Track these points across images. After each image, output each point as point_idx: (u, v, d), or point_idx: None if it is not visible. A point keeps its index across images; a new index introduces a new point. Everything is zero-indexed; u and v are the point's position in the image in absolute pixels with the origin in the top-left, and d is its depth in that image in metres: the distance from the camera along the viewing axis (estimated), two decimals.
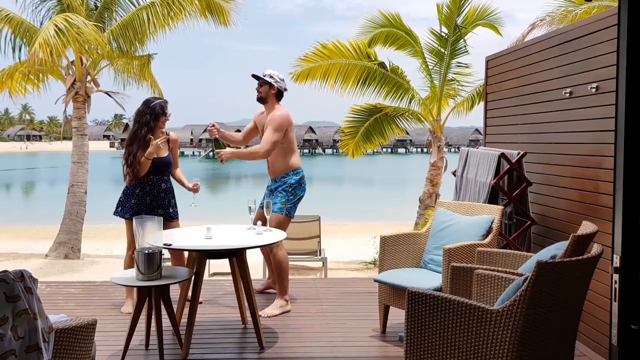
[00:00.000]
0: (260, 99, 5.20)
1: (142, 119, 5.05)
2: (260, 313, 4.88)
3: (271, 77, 5.17)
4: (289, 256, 5.32)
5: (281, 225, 5.02)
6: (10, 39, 11.64)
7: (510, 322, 2.59)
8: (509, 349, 2.60)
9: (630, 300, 3.51)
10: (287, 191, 5.12)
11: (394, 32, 11.57)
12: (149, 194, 5.04)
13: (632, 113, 3.51)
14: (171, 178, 5.24)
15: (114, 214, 5.12)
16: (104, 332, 4.44)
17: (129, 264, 4.98)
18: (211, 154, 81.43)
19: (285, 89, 5.24)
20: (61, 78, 12.33)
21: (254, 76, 5.22)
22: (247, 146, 5.69)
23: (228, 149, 5.06)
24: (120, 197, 5.09)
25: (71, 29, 10.55)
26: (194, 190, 5.13)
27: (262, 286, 5.68)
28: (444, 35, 11.42)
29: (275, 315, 4.96)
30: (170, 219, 5.09)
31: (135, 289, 4.34)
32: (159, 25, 11.62)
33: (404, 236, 4.66)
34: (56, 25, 10.54)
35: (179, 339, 4.13)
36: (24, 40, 11.72)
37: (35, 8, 12.07)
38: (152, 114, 5.06)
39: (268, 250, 5.22)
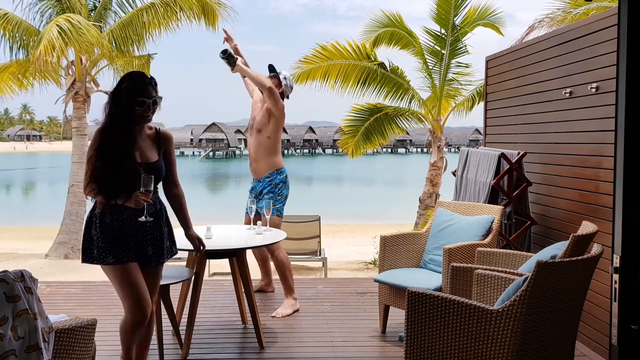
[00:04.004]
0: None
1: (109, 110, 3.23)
2: (273, 314, 4.94)
3: (285, 78, 5.33)
4: (289, 256, 5.33)
5: (276, 226, 5.06)
6: (9, 39, 11.65)
7: (510, 322, 2.59)
8: (509, 349, 2.60)
9: (630, 300, 3.51)
10: (274, 192, 5.17)
11: (397, 32, 11.60)
12: (127, 222, 3.23)
13: (632, 113, 3.51)
14: (162, 195, 3.48)
15: (85, 261, 3.26)
16: (104, 332, 4.43)
17: (127, 339, 3.33)
18: (211, 154, 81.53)
19: (288, 96, 5.37)
20: (57, 81, 12.34)
21: (271, 66, 5.39)
22: None
23: (241, 60, 5.09)
24: (91, 232, 3.25)
25: (74, 29, 10.57)
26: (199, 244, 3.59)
27: (255, 287, 5.69)
28: (441, 35, 11.42)
29: (289, 315, 4.98)
30: (165, 259, 3.40)
31: None
32: (159, 26, 11.65)
33: (404, 236, 4.66)
34: (59, 26, 10.54)
35: (179, 339, 4.14)
36: (23, 40, 11.72)
37: (34, 7, 12.09)
38: (120, 101, 3.20)
39: (269, 253, 5.23)
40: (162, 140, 3.39)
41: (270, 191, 5.16)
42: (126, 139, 3.20)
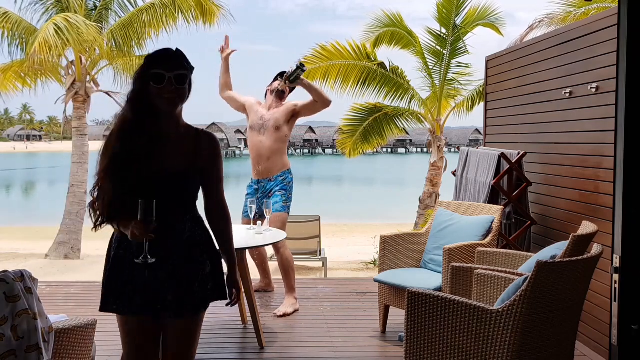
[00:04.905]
0: (282, 93, 5.29)
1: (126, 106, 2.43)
2: (275, 312, 4.95)
3: None
4: None
5: (284, 223, 5.14)
6: (8, 38, 11.66)
7: (510, 322, 2.59)
8: (509, 349, 2.60)
9: (630, 300, 3.50)
10: (286, 189, 5.25)
11: (398, 32, 11.60)
12: (137, 255, 2.37)
13: (632, 113, 3.51)
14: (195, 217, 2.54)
15: (103, 309, 2.51)
16: (104, 332, 4.43)
17: None
18: None
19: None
20: (59, 79, 12.35)
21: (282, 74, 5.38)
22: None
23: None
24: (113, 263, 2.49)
25: (71, 28, 10.57)
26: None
27: (254, 287, 5.70)
28: (442, 35, 11.42)
29: (289, 314, 4.98)
30: (195, 310, 2.66)
31: None
32: (158, 27, 11.68)
33: (404, 236, 4.67)
34: (56, 25, 10.55)
35: None
36: (22, 39, 11.74)
37: (33, 6, 12.11)
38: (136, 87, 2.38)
39: (274, 250, 5.26)
40: (203, 143, 2.43)
41: (283, 188, 5.23)
42: (123, 130, 2.35)
